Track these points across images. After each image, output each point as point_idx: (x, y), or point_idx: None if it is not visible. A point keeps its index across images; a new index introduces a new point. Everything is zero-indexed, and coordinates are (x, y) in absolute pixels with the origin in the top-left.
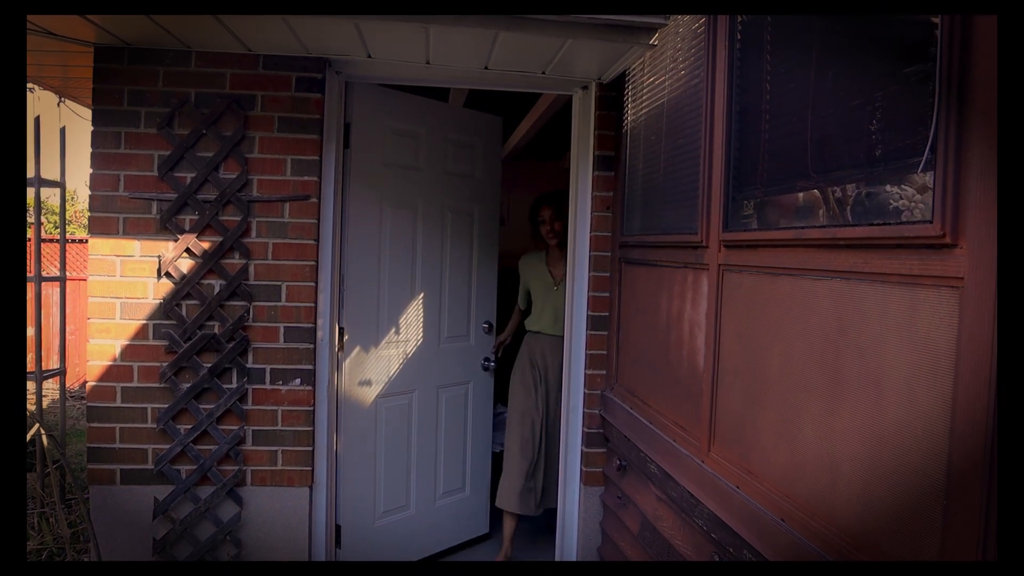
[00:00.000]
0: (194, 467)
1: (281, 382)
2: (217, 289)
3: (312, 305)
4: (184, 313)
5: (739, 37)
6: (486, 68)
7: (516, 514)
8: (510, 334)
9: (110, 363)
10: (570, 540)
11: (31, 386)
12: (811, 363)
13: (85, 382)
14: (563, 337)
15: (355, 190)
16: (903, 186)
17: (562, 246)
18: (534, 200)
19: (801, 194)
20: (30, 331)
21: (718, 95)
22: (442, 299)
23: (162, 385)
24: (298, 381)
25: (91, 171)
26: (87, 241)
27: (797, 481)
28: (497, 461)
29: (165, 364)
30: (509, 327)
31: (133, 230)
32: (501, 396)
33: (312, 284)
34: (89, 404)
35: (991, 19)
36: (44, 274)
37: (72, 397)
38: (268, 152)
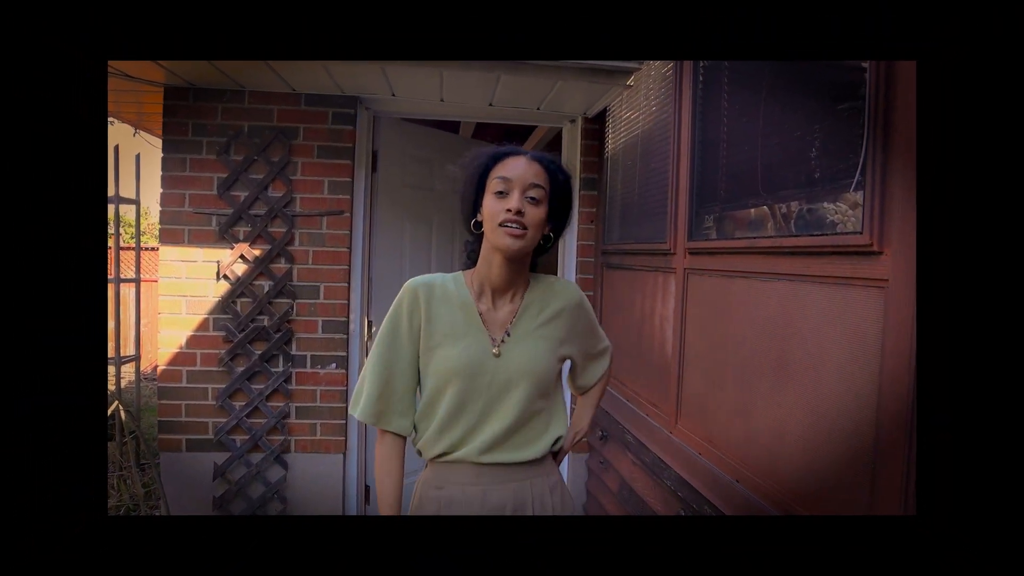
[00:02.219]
0: (247, 437)
1: (320, 366)
2: (266, 289)
3: (345, 302)
4: (238, 309)
5: (701, 79)
6: (490, 104)
7: None
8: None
9: (177, 350)
10: None
11: (111, 369)
12: (761, 350)
13: (156, 366)
14: (530, 463)
15: (381, 206)
16: (838, 203)
17: (530, 257)
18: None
19: (753, 210)
20: (110, 324)
21: (684, 127)
22: None
23: (220, 369)
24: (334, 365)
25: (161, 191)
26: (158, 249)
27: (750, 449)
28: None
29: (223, 351)
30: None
31: (196, 240)
32: None
33: (345, 285)
34: (160, 384)
35: (911, 64)
36: (122, 276)
37: (145, 379)
38: (309, 175)
